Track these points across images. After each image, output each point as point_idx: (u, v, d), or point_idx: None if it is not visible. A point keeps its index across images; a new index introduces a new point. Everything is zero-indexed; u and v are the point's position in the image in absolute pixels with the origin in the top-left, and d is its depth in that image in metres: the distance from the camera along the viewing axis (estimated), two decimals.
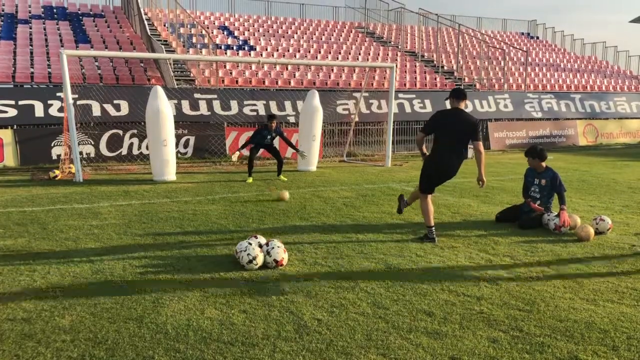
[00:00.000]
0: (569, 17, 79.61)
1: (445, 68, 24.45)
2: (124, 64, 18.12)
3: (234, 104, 16.23)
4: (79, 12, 23.24)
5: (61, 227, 7.04)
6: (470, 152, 16.92)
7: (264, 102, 16.79)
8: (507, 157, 17.23)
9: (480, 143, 6.36)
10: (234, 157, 11.72)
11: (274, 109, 16.75)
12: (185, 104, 15.63)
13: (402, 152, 18.47)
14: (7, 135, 13.65)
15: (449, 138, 6.34)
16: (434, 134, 6.51)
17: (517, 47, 29.16)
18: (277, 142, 12.49)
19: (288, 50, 22.27)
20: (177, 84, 17.30)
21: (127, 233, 6.76)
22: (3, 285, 4.80)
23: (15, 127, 14.09)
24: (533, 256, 5.80)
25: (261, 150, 11.92)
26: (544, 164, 7.43)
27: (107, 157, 14.28)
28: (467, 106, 7.09)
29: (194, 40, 21.27)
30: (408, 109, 19.12)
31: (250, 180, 11.44)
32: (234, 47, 21.60)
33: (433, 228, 6.42)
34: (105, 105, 14.71)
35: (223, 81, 18.08)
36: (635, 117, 23.73)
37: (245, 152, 12.26)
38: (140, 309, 4.24)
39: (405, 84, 21.19)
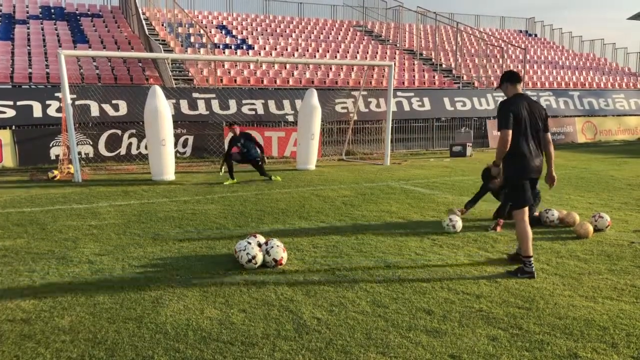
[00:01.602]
0: (567, 15, 79.64)
1: (444, 66, 24.46)
2: (122, 64, 18.10)
3: (232, 103, 16.23)
4: (77, 12, 23.21)
5: (60, 228, 7.04)
6: (470, 150, 17.04)
7: (263, 101, 16.79)
8: None
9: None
10: (222, 173, 11.68)
11: (273, 108, 16.76)
12: (183, 104, 15.62)
13: (401, 150, 18.48)
14: (5, 135, 13.64)
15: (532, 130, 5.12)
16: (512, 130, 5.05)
17: (516, 44, 29.17)
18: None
19: (286, 49, 22.25)
20: (176, 84, 17.29)
21: (126, 233, 6.76)
22: (2, 286, 4.79)
23: (13, 127, 14.09)
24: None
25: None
26: (498, 180, 7.20)
27: (106, 157, 14.28)
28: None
29: (192, 39, 21.24)
30: (407, 107, 19.13)
31: (231, 181, 11.13)
32: (232, 47, 21.59)
33: (531, 259, 5.05)
34: (103, 105, 14.71)
35: (221, 80, 18.07)
36: (633, 114, 23.76)
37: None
38: (139, 309, 4.24)
39: (403, 82, 21.19)
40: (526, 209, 5.14)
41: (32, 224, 7.25)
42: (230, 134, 11.56)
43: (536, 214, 7.11)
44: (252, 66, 19.42)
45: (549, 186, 5.39)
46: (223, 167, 11.72)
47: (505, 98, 5.24)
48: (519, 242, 5.20)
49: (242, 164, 11.74)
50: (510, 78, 5.25)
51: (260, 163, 11.44)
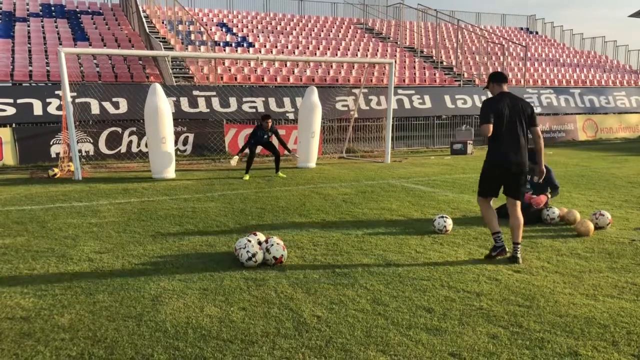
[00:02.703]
0: (568, 12, 79.51)
1: (445, 64, 24.43)
2: (123, 62, 18.09)
3: (232, 101, 16.22)
4: (77, 9, 23.20)
5: (60, 226, 7.04)
6: (470, 148, 17.03)
7: (263, 99, 16.78)
8: None
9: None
10: (233, 162, 11.63)
11: (273, 106, 16.74)
12: (184, 102, 15.61)
13: (402, 148, 18.46)
14: (6, 133, 13.64)
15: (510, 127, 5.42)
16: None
17: (516, 42, 29.12)
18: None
19: (287, 47, 22.23)
20: (176, 82, 17.28)
21: (126, 231, 6.75)
22: (2, 283, 4.79)
23: (14, 125, 14.09)
24: (532, 251, 5.79)
25: (260, 148, 11.91)
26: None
27: (106, 155, 14.27)
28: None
29: (193, 37, 21.23)
30: (407, 105, 19.10)
31: (247, 177, 11.43)
32: (233, 44, 21.57)
33: (500, 234, 5.58)
34: (104, 103, 14.70)
35: (222, 78, 18.06)
36: (634, 112, 23.72)
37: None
38: (139, 307, 4.23)
39: (404, 80, 21.16)
40: (488, 198, 5.60)
41: (32, 222, 7.25)
42: (262, 125, 11.65)
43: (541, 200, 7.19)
44: (252, 64, 19.40)
45: (537, 179, 5.85)
46: (235, 158, 11.68)
47: (488, 97, 5.59)
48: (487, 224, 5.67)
49: (265, 149, 12.10)
50: (495, 78, 5.59)
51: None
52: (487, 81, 5.68)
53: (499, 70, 23.88)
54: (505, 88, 5.54)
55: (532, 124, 5.47)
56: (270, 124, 11.58)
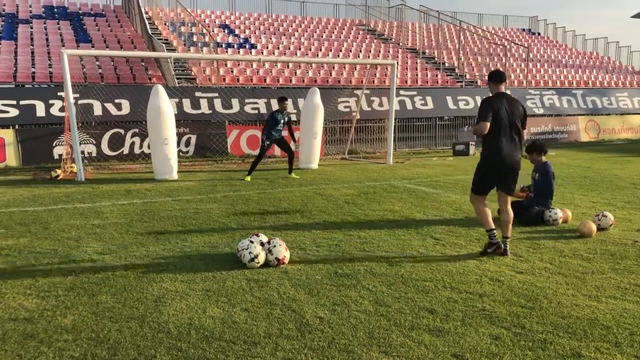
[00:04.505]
0: (571, 13, 79.42)
1: (447, 65, 24.41)
2: (125, 63, 18.12)
3: (235, 103, 16.23)
4: (80, 11, 23.24)
5: (63, 227, 7.05)
6: (472, 149, 17.02)
7: (265, 100, 16.79)
8: None
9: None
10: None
11: (275, 107, 16.72)
12: (186, 103, 15.63)
13: (404, 149, 18.46)
14: (8, 135, 13.67)
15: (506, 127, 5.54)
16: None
17: (519, 43, 29.09)
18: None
19: (289, 48, 22.25)
20: (178, 83, 17.31)
21: (129, 232, 6.76)
22: (5, 285, 4.80)
23: (16, 126, 14.12)
24: (535, 252, 5.79)
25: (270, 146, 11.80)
26: (544, 158, 7.42)
27: (109, 156, 14.29)
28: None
29: (195, 38, 21.25)
30: (409, 106, 19.10)
31: (248, 178, 11.37)
32: (235, 46, 21.59)
33: (494, 231, 5.69)
34: (106, 105, 14.73)
35: (224, 79, 18.07)
36: (637, 113, 23.68)
37: (251, 151, 12.07)
38: (142, 308, 4.24)
39: (406, 81, 21.16)
40: (481, 196, 5.73)
41: (35, 223, 7.27)
42: (277, 107, 11.67)
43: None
44: (254, 65, 19.42)
45: None
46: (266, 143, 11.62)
47: (488, 95, 5.66)
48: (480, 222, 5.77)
49: (280, 147, 12.03)
50: (493, 78, 5.69)
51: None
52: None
53: (502, 70, 23.87)
54: (503, 88, 5.65)
55: (522, 126, 5.66)
56: (286, 105, 11.64)
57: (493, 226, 5.68)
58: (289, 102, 16.86)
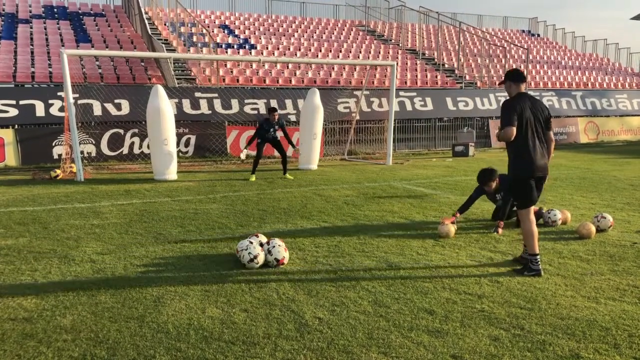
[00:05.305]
0: (570, 15, 79.51)
1: (446, 66, 24.43)
2: (125, 63, 18.12)
3: (234, 103, 16.24)
4: (80, 11, 23.24)
5: (62, 227, 7.05)
6: (472, 150, 17.02)
7: (265, 100, 16.80)
8: None
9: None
10: (242, 155, 11.74)
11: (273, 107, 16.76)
12: (186, 103, 15.64)
13: (403, 150, 18.47)
14: (8, 134, 13.67)
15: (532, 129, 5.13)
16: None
17: (518, 44, 29.11)
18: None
19: (289, 49, 22.25)
20: (178, 83, 17.31)
21: (128, 232, 6.76)
22: (4, 284, 4.80)
23: (16, 126, 14.12)
24: None
25: (266, 145, 11.85)
26: (494, 182, 6.98)
27: (108, 156, 14.30)
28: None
29: (195, 39, 21.26)
30: (409, 107, 19.11)
31: (253, 178, 11.44)
32: (235, 46, 21.60)
33: (538, 257, 5.12)
34: (106, 105, 14.73)
35: (224, 80, 18.07)
36: (636, 115, 23.70)
37: (252, 151, 12.13)
38: (141, 308, 4.24)
39: (406, 82, 21.17)
40: (531, 208, 5.22)
41: (35, 223, 7.26)
42: (267, 118, 11.67)
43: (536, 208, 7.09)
44: (254, 66, 19.43)
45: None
46: (244, 152, 11.80)
47: (508, 97, 5.24)
48: (524, 241, 5.21)
49: (272, 146, 12.01)
50: (514, 77, 5.21)
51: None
52: (503, 78, 5.29)
53: (502, 72, 23.89)
54: (524, 88, 5.22)
55: (547, 127, 5.23)
56: (277, 117, 11.59)
57: (538, 250, 5.13)
58: (289, 103, 16.93)
